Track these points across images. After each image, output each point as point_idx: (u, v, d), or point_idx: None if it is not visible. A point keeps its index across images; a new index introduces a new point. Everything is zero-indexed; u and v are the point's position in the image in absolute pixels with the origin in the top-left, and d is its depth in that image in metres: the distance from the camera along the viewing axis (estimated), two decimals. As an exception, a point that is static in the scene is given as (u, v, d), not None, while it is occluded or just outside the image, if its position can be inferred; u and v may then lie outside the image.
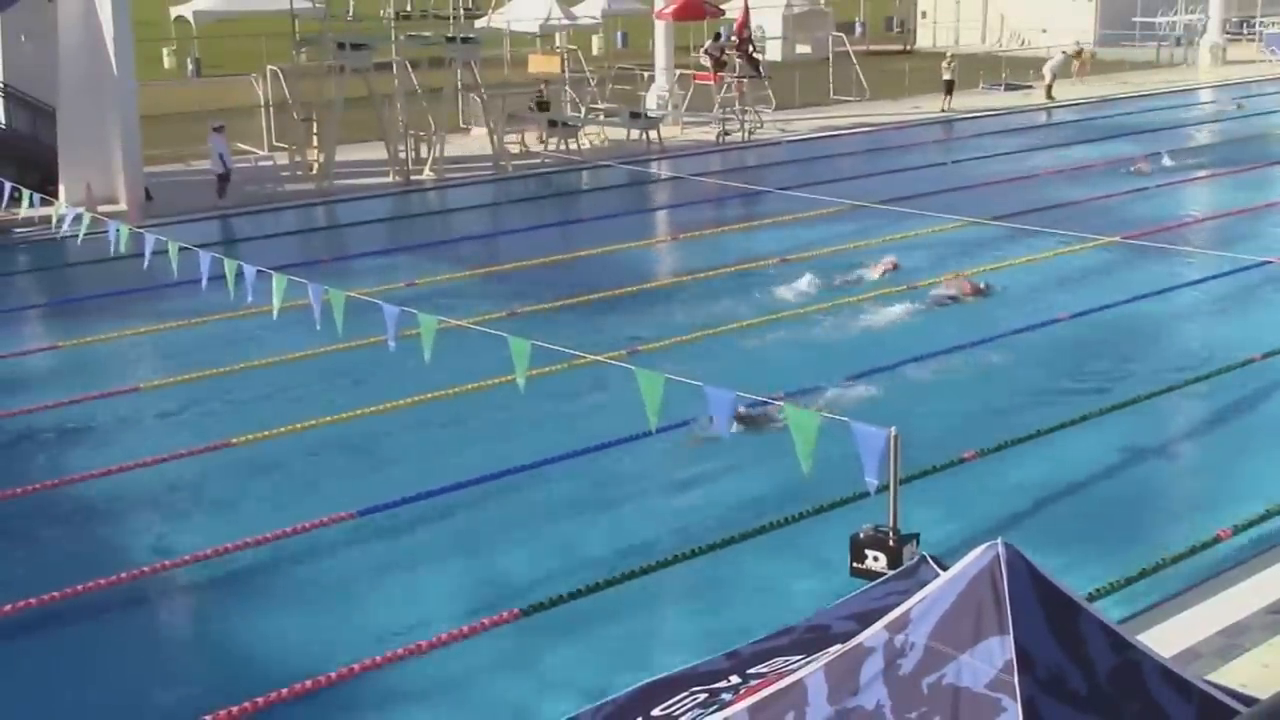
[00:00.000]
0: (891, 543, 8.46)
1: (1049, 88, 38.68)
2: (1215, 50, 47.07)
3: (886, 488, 8.25)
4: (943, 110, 36.20)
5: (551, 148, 30.52)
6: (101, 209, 21.27)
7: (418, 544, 10.83)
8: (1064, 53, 40.90)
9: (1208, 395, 13.81)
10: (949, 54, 39.47)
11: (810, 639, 5.33)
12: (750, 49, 34.25)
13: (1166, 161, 27.26)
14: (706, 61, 34.69)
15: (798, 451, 7.97)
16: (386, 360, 12.02)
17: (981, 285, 17.83)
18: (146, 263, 15.21)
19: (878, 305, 17.19)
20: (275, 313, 12.52)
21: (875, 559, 8.48)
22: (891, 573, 6.44)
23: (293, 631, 9.50)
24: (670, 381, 8.85)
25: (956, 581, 4.42)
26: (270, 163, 28.47)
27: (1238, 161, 28.14)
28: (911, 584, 5.05)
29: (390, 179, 27.66)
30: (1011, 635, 4.23)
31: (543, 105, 31.98)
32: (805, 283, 18.07)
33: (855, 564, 8.61)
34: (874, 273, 18.75)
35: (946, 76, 36.60)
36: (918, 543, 8.45)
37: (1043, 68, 39.56)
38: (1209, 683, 4.73)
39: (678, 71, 35.75)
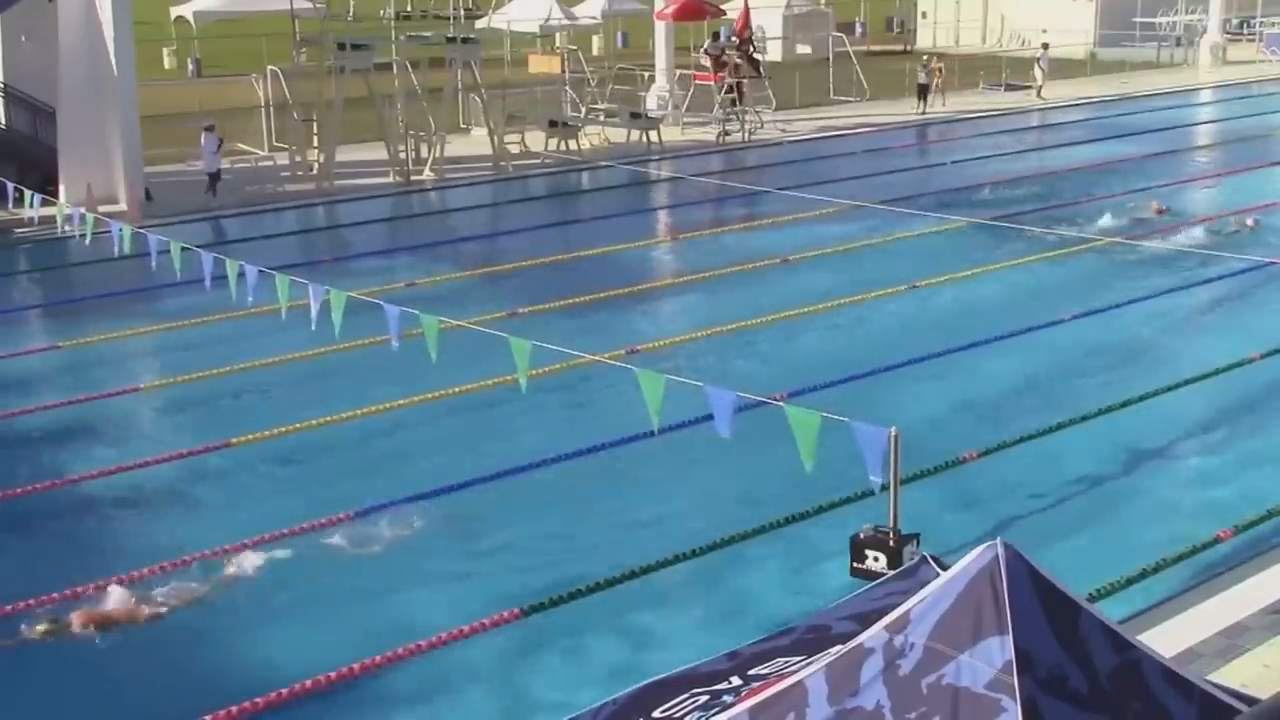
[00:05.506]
0: (891, 543, 8.46)
1: (1039, 88, 38.68)
2: (1215, 50, 47.01)
3: (887, 487, 8.25)
4: (919, 113, 35.97)
5: (551, 148, 30.50)
6: (101, 209, 21.26)
7: (417, 544, 10.81)
8: (1043, 46, 40.54)
9: (1208, 394, 13.81)
10: (925, 56, 39.21)
11: (810, 639, 5.33)
12: (750, 49, 34.23)
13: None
14: (706, 61, 34.66)
15: (800, 451, 7.96)
16: (387, 360, 12.02)
17: (1252, 221, 21.63)
18: (155, 263, 15.23)
19: (1183, 236, 20.73)
20: (283, 312, 12.54)
21: (875, 559, 8.48)
22: (891, 573, 6.44)
23: (292, 631, 9.50)
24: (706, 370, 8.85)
25: (956, 582, 4.41)
26: (270, 163, 28.46)
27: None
28: (911, 584, 5.04)
29: (390, 179, 27.64)
30: (1011, 635, 4.22)
31: (733, 99, 32.06)
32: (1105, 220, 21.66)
33: (855, 564, 8.61)
34: (1150, 212, 22.30)
35: (921, 80, 36.39)
36: (918, 543, 8.45)
37: (1032, 70, 39.47)
38: (1210, 682, 4.73)
39: (678, 71, 35.70)
